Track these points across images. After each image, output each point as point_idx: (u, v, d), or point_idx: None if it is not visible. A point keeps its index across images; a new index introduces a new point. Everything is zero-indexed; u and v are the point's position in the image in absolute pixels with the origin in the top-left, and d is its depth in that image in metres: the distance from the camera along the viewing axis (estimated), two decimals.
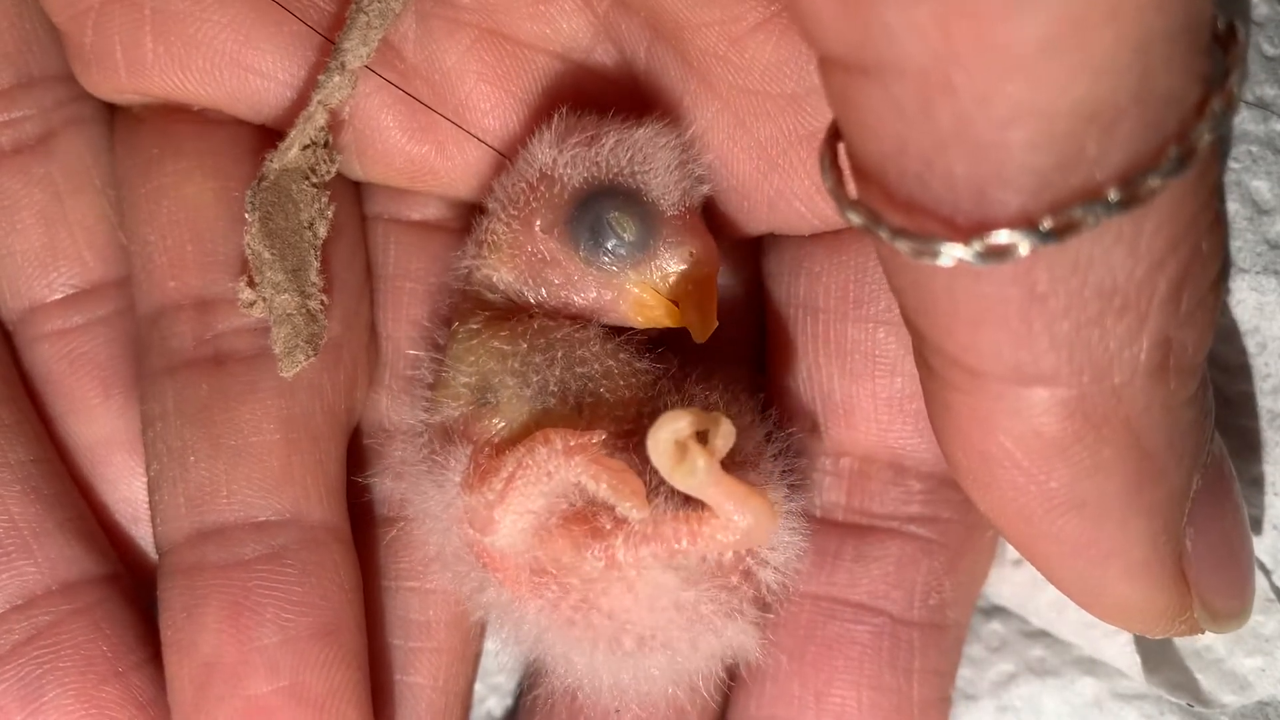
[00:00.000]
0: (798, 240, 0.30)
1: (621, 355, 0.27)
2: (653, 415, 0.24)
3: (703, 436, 0.24)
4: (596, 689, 0.27)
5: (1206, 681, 0.30)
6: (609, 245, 0.27)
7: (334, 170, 0.29)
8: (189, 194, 0.29)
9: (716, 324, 0.27)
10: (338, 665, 0.27)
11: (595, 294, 0.27)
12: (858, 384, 0.29)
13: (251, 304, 0.29)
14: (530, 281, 0.27)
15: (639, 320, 0.27)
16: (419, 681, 0.30)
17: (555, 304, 0.27)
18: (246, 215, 0.28)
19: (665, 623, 0.26)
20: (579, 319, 0.27)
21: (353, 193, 0.31)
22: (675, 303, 0.27)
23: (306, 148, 0.29)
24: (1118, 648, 0.30)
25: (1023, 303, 0.20)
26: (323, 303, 0.29)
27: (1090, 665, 0.32)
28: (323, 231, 0.29)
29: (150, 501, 0.29)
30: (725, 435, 0.24)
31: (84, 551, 0.29)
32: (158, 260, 0.29)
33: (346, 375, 0.29)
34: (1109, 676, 0.32)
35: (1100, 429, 0.22)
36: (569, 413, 0.26)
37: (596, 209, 0.27)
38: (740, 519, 0.24)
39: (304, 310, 0.28)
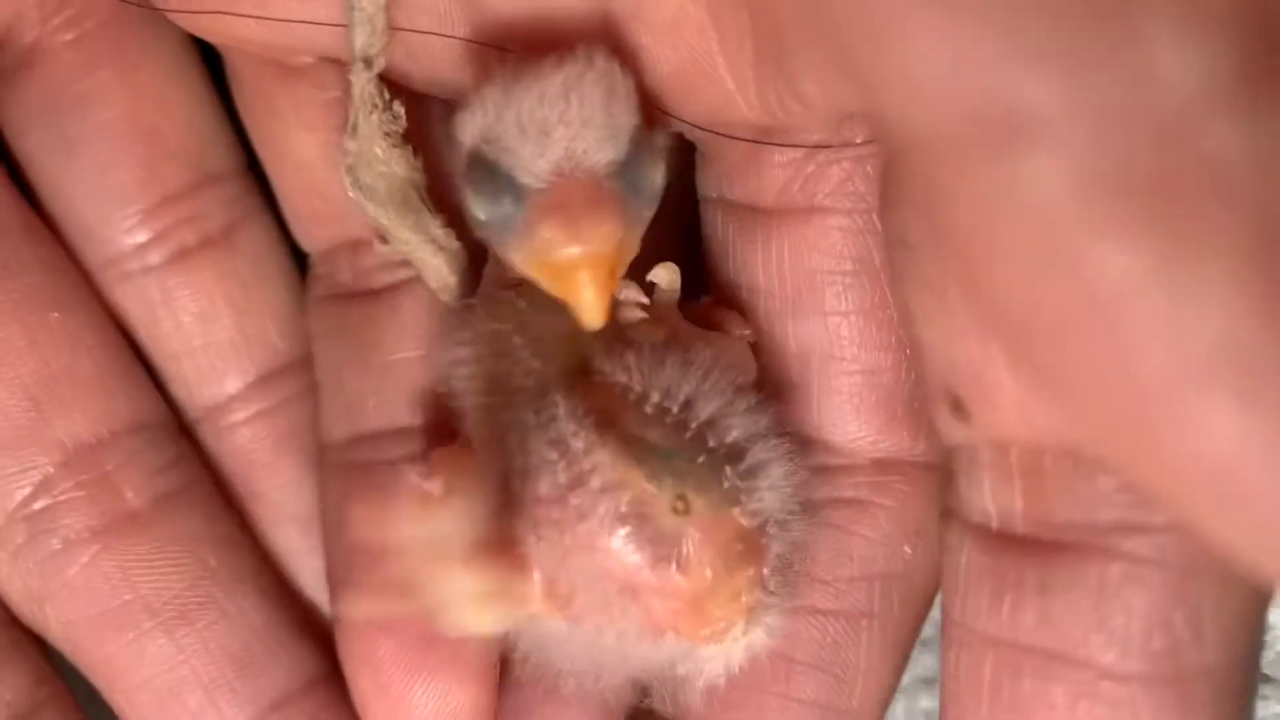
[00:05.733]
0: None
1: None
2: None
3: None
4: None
5: None
6: (479, 216, 0.25)
7: (403, 125, 0.29)
8: (294, 153, 0.30)
9: (601, 317, 0.24)
10: None
11: (510, 261, 0.25)
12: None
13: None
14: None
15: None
16: None
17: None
18: (350, 194, 0.29)
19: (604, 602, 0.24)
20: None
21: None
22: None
23: (370, 113, 0.29)
24: None
25: None
26: (449, 233, 0.30)
27: None
28: (421, 180, 0.29)
29: (318, 403, 0.31)
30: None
31: (313, 650, 0.31)
32: (300, 210, 0.31)
33: None
34: None
35: None
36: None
37: (469, 175, 0.25)
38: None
39: (438, 251, 0.30)
